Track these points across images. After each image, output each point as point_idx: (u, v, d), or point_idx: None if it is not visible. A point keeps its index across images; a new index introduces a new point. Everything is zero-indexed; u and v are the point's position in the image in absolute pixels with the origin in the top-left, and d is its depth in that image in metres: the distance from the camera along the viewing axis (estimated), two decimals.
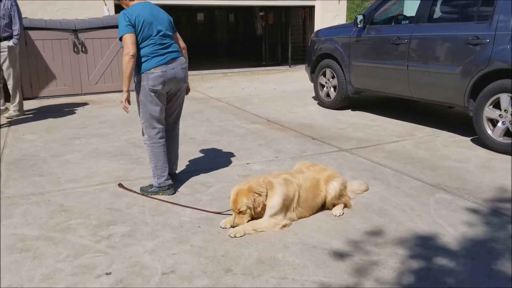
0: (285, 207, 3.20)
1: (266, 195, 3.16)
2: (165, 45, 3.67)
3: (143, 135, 3.83)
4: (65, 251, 2.89)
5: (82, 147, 5.26)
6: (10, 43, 6.63)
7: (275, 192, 3.18)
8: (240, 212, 3.13)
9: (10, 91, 6.78)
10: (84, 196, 3.80)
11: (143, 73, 3.61)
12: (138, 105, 3.76)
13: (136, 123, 6.39)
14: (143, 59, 3.61)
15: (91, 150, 5.14)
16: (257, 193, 3.12)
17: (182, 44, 3.92)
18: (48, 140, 5.55)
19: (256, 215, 3.18)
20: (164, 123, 3.83)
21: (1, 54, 6.59)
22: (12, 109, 6.82)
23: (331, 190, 3.40)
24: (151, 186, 3.86)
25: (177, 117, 4.03)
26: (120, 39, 3.56)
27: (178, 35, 3.89)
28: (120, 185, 4.00)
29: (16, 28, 6.66)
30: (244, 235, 3.07)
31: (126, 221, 3.32)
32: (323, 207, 3.47)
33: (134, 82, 3.69)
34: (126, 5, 3.75)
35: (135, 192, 3.86)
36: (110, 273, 2.64)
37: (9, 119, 6.68)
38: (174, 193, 3.83)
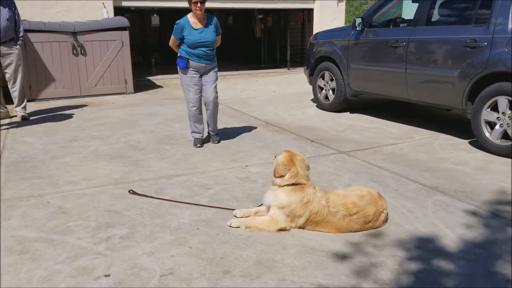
0: (286, 214, 3.15)
1: (283, 186, 3.17)
2: None
3: None
4: (64, 253, 2.90)
5: (81, 149, 5.27)
6: (17, 45, 6.64)
7: (289, 194, 3.14)
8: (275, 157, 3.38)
9: (17, 93, 6.76)
10: (82, 198, 3.81)
11: None
12: None
13: (134, 125, 6.41)
14: None
15: (90, 152, 5.15)
16: (282, 175, 3.19)
17: None
18: (47, 142, 5.56)
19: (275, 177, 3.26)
20: None
21: (9, 56, 6.59)
22: (21, 111, 6.83)
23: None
24: None
25: None
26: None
27: None
28: (132, 191, 3.90)
29: (21, 30, 6.68)
30: (239, 226, 3.19)
31: (124, 223, 3.32)
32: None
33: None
34: None
35: (147, 196, 3.81)
36: (109, 275, 2.65)
37: (24, 120, 6.73)
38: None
